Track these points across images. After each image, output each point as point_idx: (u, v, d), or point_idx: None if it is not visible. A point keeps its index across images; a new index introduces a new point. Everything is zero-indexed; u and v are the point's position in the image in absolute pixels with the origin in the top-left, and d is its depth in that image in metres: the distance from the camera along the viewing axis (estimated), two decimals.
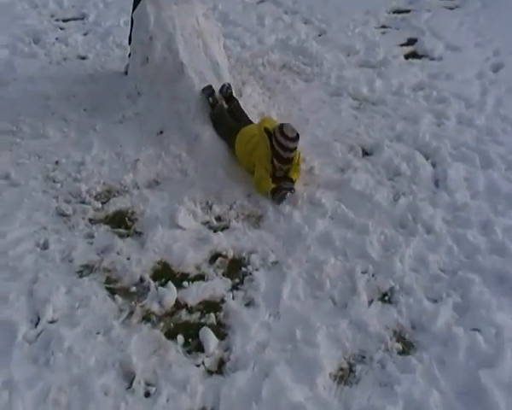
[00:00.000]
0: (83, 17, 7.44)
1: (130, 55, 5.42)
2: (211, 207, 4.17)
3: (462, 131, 5.07)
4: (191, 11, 5.21)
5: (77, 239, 3.81)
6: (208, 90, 4.77)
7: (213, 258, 3.73)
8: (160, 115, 4.93)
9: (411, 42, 7.14)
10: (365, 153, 4.86)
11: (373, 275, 3.58)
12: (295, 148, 4.23)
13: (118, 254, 3.68)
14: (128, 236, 3.87)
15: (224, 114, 4.69)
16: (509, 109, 5.38)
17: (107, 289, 3.45)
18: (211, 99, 4.75)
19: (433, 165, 4.65)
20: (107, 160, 4.61)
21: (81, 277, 3.53)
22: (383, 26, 7.66)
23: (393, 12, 8.20)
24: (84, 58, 6.34)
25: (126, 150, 4.70)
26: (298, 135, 4.20)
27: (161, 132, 4.85)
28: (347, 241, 3.84)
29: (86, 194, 4.22)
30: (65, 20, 7.36)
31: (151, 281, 3.50)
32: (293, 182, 4.32)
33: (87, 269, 3.59)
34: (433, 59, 6.65)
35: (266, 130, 4.28)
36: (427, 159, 4.71)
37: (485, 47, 6.86)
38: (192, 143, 4.69)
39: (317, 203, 4.18)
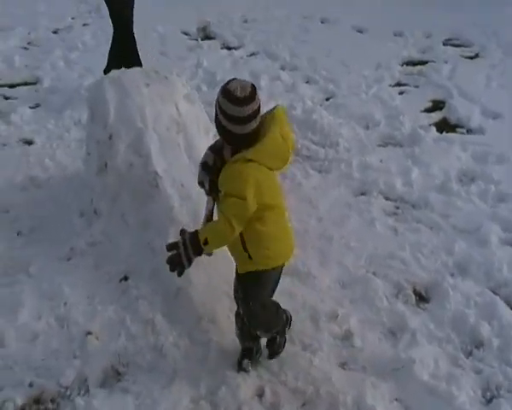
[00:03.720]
0: (36, 81, 5.70)
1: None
2: None
3: None
4: (169, 95, 3.53)
5: None
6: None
7: None
8: (126, 249, 3.23)
9: (438, 105, 5.59)
10: (420, 297, 3.22)
11: None
12: (249, 117, 2.16)
13: None
14: None
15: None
16: None
17: None
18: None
19: None
20: (43, 331, 2.88)
21: None
22: (399, 84, 6.10)
23: (407, 64, 6.64)
24: (29, 143, 4.61)
25: (74, 312, 2.98)
26: (252, 94, 2.16)
27: (126, 279, 3.14)
28: None
29: None
30: (12, 86, 5.62)
31: None
32: None
33: None
34: (470, 131, 5.08)
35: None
36: None
37: None
38: (171, 301, 2.99)
39: None
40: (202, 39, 7.14)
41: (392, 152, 4.65)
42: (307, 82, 6.00)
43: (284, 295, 3.15)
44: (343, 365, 2.79)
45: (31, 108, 5.14)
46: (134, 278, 3.13)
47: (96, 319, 2.94)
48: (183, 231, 2.31)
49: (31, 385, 2.63)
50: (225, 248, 3.16)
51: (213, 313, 2.92)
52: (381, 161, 4.48)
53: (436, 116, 5.35)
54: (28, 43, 6.66)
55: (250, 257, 2.40)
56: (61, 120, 4.91)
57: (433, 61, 6.62)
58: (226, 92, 2.17)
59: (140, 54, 6.20)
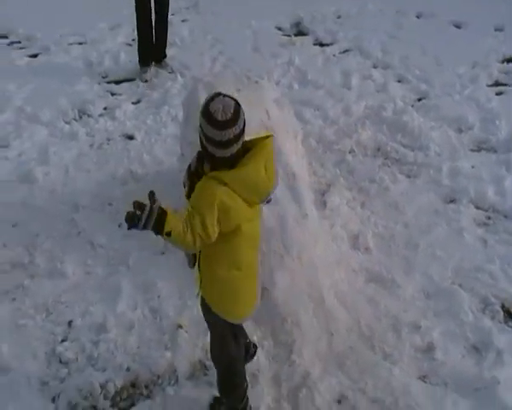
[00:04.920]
0: (136, 77, 5.94)
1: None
2: None
3: None
4: (259, 99, 3.58)
5: None
6: None
7: None
8: None
9: None
10: (508, 314, 3.08)
11: None
12: (230, 142, 2.02)
13: None
14: None
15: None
16: None
17: None
18: None
19: None
20: (138, 321, 3.07)
21: None
22: (497, 84, 5.76)
23: (507, 61, 6.24)
24: (131, 138, 4.85)
25: (165, 305, 3.15)
26: (234, 117, 2.00)
27: None
28: None
29: (101, 394, 2.70)
30: (117, 82, 5.89)
31: None
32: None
33: None
34: None
35: None
36: None
37: None
38: None
39: None
40: (295, 35, 7.09)
41: (485, 158, 4.44)
42: (399, 81, 5.82)
43: (366, 301, 3.15)
44: (423, 378, 2.75)
45: (133, 103, 5.38)
46: None
47: (185, 314, 3.08)
48: (153, 196, 2.06)
49: (128, 370, 2.82)
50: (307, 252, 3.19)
51: (297, 315, 2.96)
52: (472, 167, 4.28)
53: None
54: (132, 40, 6.94)
55: (201, 281, 2.30)
56: (158, 116, 5.11)
57: None
58: (207, 114, 2.00)
59: (234, 50, 6.33)
